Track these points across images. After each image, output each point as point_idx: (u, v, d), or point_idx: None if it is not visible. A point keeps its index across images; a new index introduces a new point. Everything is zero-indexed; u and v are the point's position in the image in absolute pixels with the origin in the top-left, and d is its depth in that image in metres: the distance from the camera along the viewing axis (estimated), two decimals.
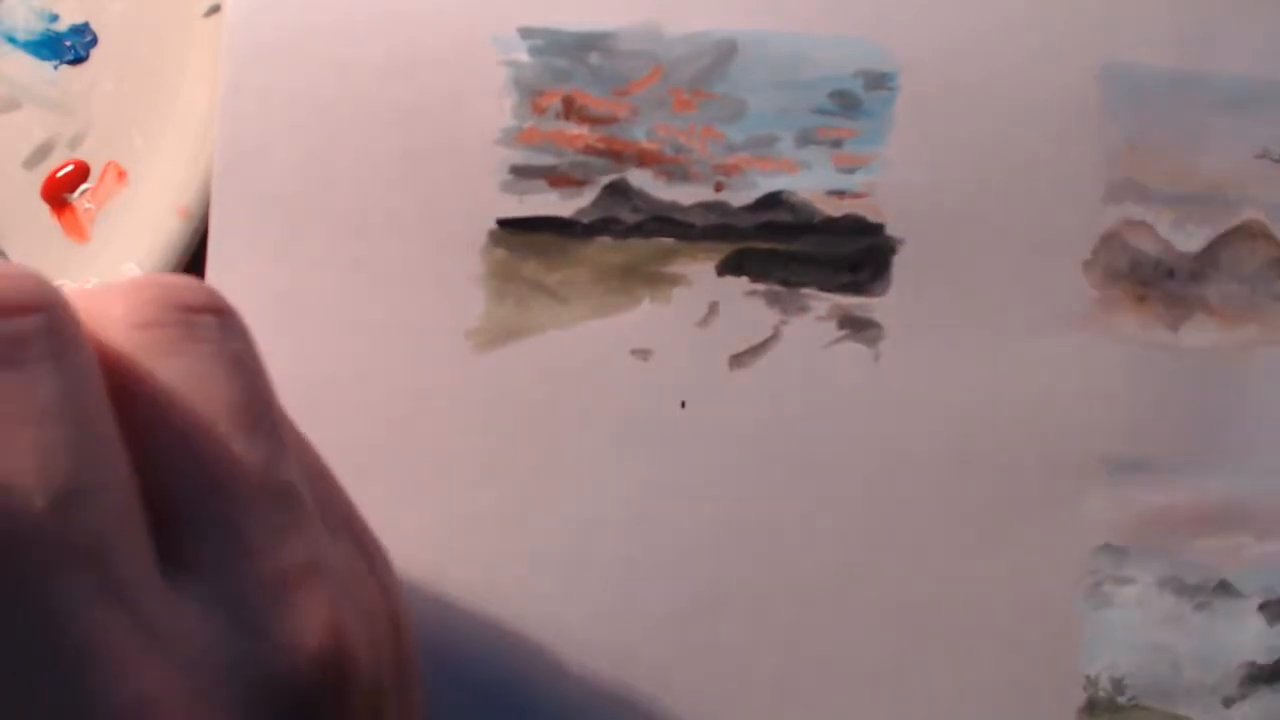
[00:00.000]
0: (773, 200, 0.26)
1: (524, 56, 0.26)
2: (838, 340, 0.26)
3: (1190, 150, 0.27)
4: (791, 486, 0.26)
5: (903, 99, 0.26)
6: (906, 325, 0.26)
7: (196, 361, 0.17)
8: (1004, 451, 0.26)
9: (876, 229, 0.26)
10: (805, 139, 0.26)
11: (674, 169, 0.26)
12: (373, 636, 0.18)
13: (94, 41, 0.28)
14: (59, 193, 0.28)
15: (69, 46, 0.28)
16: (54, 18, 0.28)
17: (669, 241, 0.26)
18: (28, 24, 0.28)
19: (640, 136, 0.26)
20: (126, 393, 0.17)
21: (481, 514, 0.26)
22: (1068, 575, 0.26)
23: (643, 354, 0.26)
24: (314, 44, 0.26)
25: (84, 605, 0.15)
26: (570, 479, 0.26)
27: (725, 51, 0.26)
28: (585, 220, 0.26)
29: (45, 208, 0.28)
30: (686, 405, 0.26)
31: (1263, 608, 0.26)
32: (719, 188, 0.26)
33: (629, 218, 0.26)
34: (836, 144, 0.26)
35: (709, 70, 0.26)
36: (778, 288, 0.26)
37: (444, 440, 0.26)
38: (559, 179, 0.26)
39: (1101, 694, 0.26)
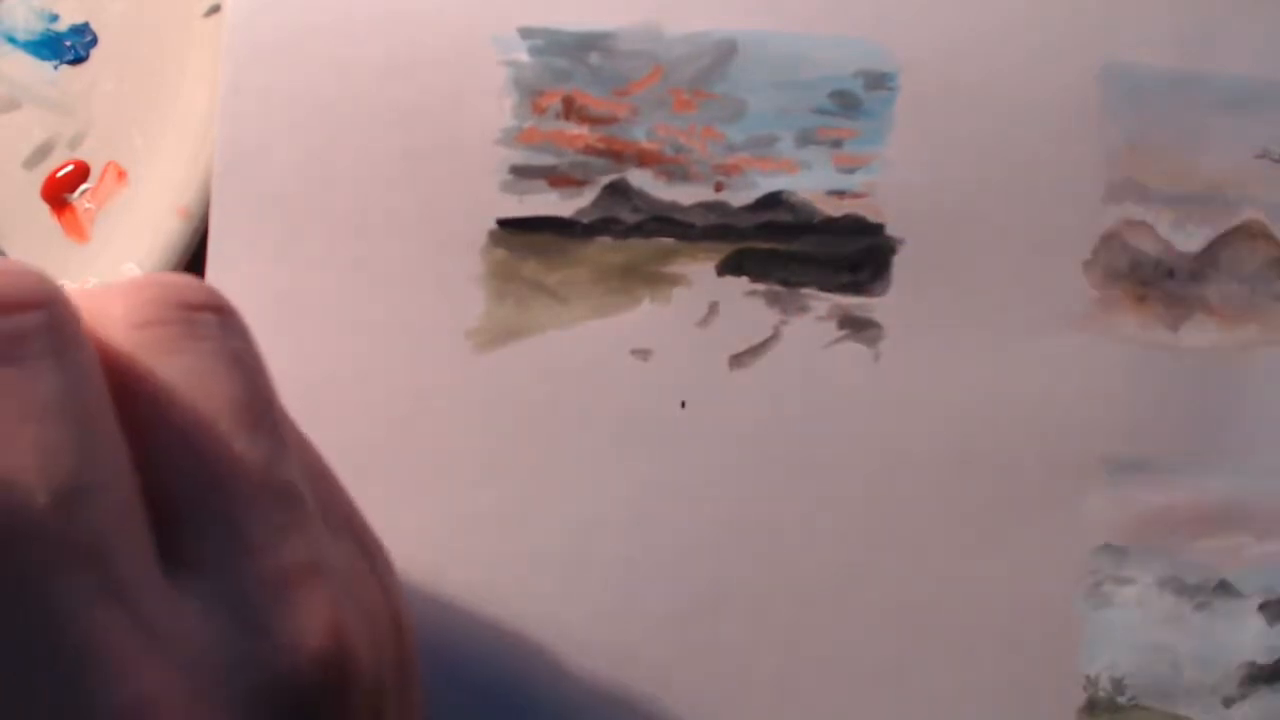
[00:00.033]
0: (773, 200, 0.26)
1: (524, 56, 0.26)
2: (838, 340, 0.26)
3: (1190, 150, 0.27)
4: (791, 486, 0.26)
5: (903, 99, 0.26)
6: (906, 325, 0.26)
7: (197, 359, 0.17)
8: (1004, 451, 0.26)
9: (876, 229, 0.26)
10: (805, 139, 0.26)
11: (674, 169, 0.26)
12: (374, 636, 0.18)
13: (94, 41, 0.28)
14: (59, 193, 0.28)
15: (69, 46, 0.28)
16: (54, 18, 0.28)
17: (669, 241, 0.26)
18: (28, 24, 0.28)
19: (640, 136, 0.26)
20: (127, 391, 0.17)
21: (481, 514, 0.26)
22: (1068, 575, 0.26)
23: (643, 354, 0.26)
24: (314, 44, 0.26)
25: (84, 605, 0.14)
26: (570, 479, 0.26)
27: (725, 51, 0.26)
28: (585, 220, 0.26)
29: (45, 208, 0.28)
30: (686, 405, 0.26)
31: (1263, 608, 0.26)
32: (719, 188, 0.26)
33: (629, 218, 0.26)
34: (836, 144, 0.26)
35: (709, 70, 0.26)
36: (778, 288, 0.26)
37: (444, 440, 0.26)
38: (559, 179, 0.26)
39: (1101, 694, 0.26)
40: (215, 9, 0.27)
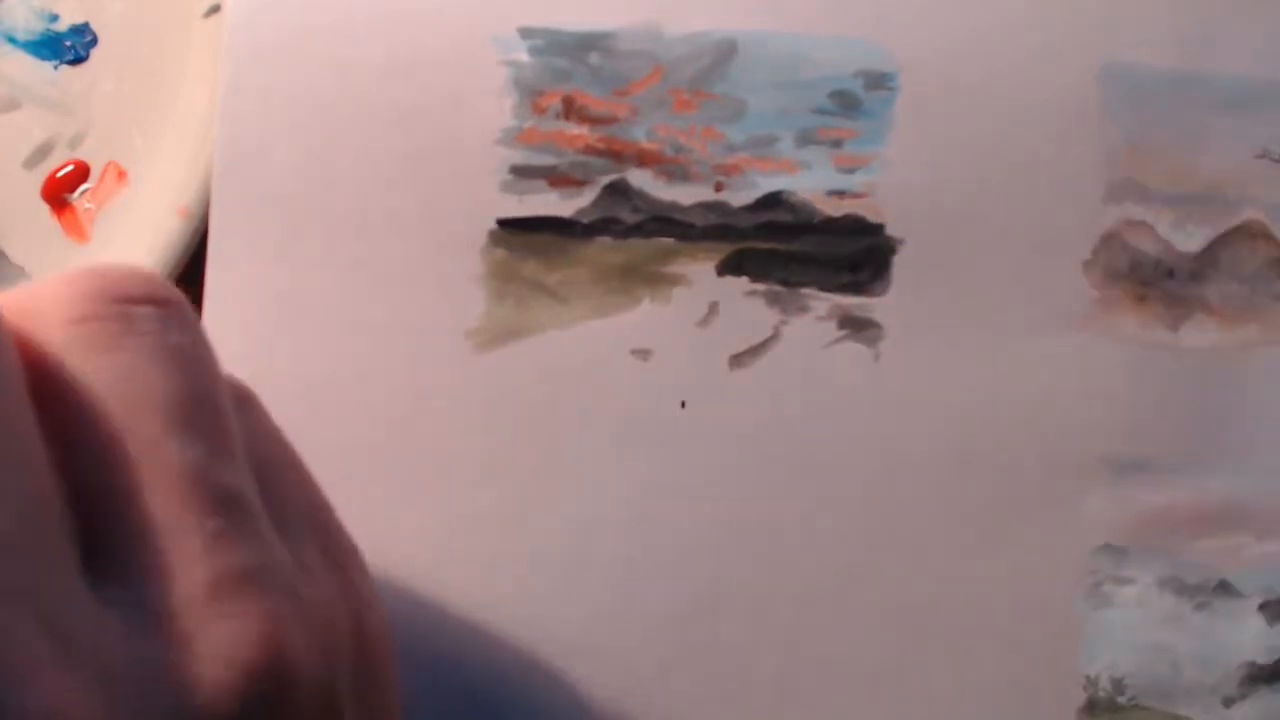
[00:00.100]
0: (773, 200, 0.26)
1: (524, 56, 0.26)
2: (838, 340, 0.26)
3: (1190, 150, 0.27)
4: (791, 486, 0.26)
5: (903, 99, 0.26)
6: (906, 325, 0.26)
7: (133, 356, 0.17)
8: (1004, 451, 0.26)
9: (876, 229, 0.26)
10: (805, 139, 0.26)
11: (674, 169, 0.26)
12: (326, 642, 0.18)
13: (94, 41, 0.28)
14: (59, 193, 0.28)
15: (69, 46, 0.28)
16: (54, 18, 0.28)
17: (669, 241, 0.26)
18: (28, 24, 0.28)
19: (640, 136, 0.26)
20: (52, 393, 0.16)
21: (481, 514, 0.26)
22: (1068, 575, 0.26)
23: (643, 354, 0.26)
24: (314, 44, 0.26)
25: None
26: (570, 479, 0.26)
27: (725, 51, 0.26)
28: (585, 220, 0.26)
29: (45, 208, 0.28)
30: (686, 405, 0.26)
31: (1263, 608, 0.26)
32: (719, 188, 0.26)
33: (629, 218, 0.26)
34: (836, 144, 0.26)
35: (709, 70, 0.26)
36: (778, 288, 0.26)
37: (444, 440, 0.26)
38: (559, 179, 0.26)
39: (1101, 694, 0.26)
40: (215, 9, 0.27)
